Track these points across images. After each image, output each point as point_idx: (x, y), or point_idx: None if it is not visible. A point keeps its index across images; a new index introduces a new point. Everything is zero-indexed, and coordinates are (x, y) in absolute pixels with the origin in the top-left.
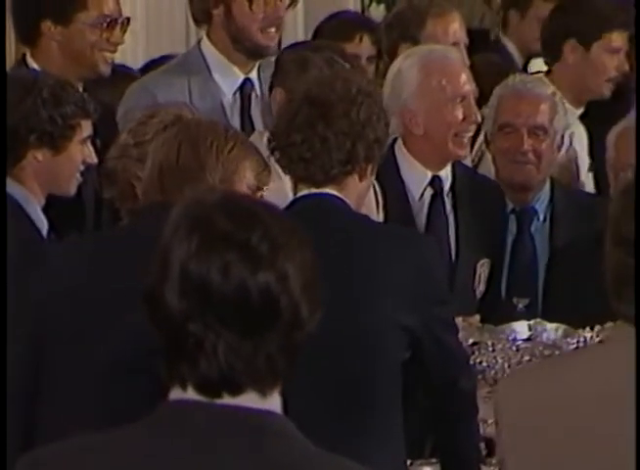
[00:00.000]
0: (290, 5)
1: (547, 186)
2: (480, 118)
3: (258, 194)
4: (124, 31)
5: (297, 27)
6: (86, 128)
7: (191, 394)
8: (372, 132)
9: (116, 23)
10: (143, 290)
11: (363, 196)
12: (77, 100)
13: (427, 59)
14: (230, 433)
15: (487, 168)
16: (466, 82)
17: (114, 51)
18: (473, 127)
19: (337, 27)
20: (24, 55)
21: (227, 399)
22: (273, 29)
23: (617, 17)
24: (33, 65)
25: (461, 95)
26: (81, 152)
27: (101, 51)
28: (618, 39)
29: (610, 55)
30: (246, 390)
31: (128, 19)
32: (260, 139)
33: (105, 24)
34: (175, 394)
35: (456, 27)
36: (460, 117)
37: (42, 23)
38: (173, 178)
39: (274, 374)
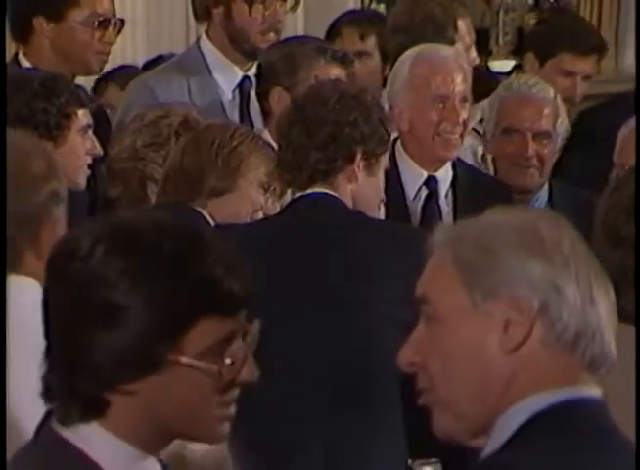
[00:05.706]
0: (291, 8)
1: (545, 185)
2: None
3: (270, 190)
4: (118, 32)
5: (297, 28)
6: (83, 118)
7: None
8: (353, 132)
9: (109, 23)
10: None
11: (360, 198)
12: (70, 90)
13: (418, 55)
14: None
15: None
16: (453, 82)
17: (108, 51)
18: (458, 129)
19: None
20: (17, 53)
21: None
22: (272, 34)
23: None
24: (25, 63)
25: (444, 95)
26: (83, 143)
27: (93, 50)
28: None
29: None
30: None
31: (122, 20)
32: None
33: (96, 23)
34: None
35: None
36: (441, 116)
37: (34, 19)
38: (176, 181)
39: None
